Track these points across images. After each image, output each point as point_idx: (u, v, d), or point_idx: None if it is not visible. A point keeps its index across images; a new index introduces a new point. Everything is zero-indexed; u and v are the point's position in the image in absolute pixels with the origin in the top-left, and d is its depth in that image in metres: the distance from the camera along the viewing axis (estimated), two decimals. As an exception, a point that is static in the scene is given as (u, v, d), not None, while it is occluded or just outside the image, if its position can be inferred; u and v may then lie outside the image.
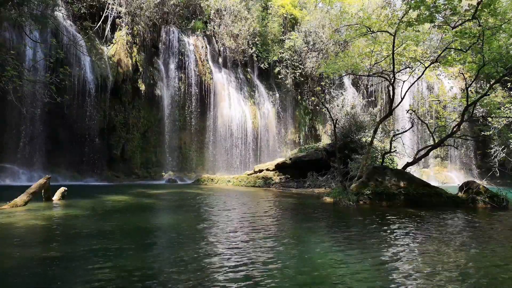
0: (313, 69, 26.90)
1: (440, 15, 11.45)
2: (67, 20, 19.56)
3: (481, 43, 10.92)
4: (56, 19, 17.56)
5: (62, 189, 10.01)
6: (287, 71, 27.49)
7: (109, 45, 20.89)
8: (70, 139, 18.55)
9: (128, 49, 21.14)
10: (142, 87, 21.65)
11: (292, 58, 27.49)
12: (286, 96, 28.09)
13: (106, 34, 20.82)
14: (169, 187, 16.72)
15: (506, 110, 17.08)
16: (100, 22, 20.34)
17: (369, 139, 14.85)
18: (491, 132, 19.38)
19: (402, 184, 10.95)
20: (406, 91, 14.01)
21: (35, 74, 16.24)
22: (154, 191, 14.08)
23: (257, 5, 27.32)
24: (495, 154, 22.09)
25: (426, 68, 13.64)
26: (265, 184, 17.58)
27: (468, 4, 10.95)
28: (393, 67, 12.76)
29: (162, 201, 11.33)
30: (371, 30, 12.84)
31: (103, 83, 19.57)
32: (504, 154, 21.64)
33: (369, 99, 28.07)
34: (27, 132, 17.39)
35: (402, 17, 11.54)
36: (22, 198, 8.46)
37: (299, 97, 28.77)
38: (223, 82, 24.90)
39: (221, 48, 25.59)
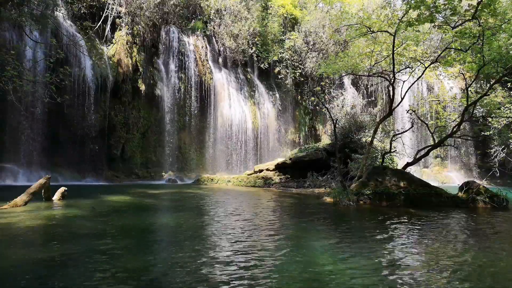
0: (313, 69, 26.91)
1: (440, 15, 11.44)
2: (67, 20, 19.57)
3: (481, 43, 10.92)
4: (56, 19, 17.56)
5: (62, 189, 10.00)
6: (287, 71, 27.50)
7: (109, 45, 20.90)
8: (70, 139, 18.55)
9: (128, 49, 21.14)
10: (142, 87, 21.66)
11: (292, 58, 27.50)
12: (286, 96, 28.09)
13: (106, 34, 20.83)
14: (169, 187, 16.71)
15: (506, 110, 17.10)
16: (100, 22, 20.35)
17: (369, 139, 14.86)
18: (491, 132, 19.39)
19: (402, 184, 10.95)
20: (406, 91, 14.01)
21: (35, 74, 16.24)
22: (154, 191, 14.08)
23: (257, 5, 27.32)
24: (495, 154, 22.10)
25: (426, 68, 13.65)
26: (265, 184, 17.57)
27: (468, 4, 10.95)
28: (393, 67, 12.76)
29: (162, 201, 11.33)
30: (371, 30, 12.84)
31: (103, 83, 19.57)
32: (504, 154, 21.65)
33: (369, 99, 28.13)
34: (27, 132, 17.40)
35: (402, 17, 11.54)
36: (22, 198, 8.46)
37: (299, 97, 28.78)
38: (223, 82, 24.90)
39: (221, 48, 25.59)
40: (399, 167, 14.80)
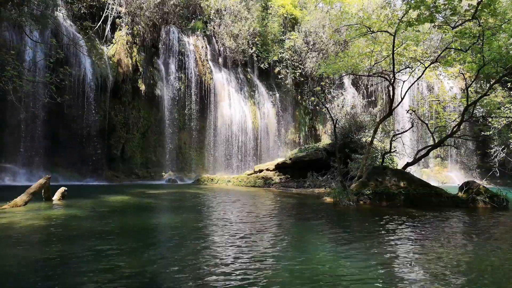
0: (313, 69, 26.91)
1: (440, 15, 11.44)
2: (67, 20, 19.56)
3: (481, 43, 10.92)
4: (56, 19, 17.56)
5: (62, 189, 10.01)
6: (287, 71, 27.49)
7: (109, 45, 20.89)
8: (70, 139, 18.55)
9: (128, 49, 21.14)
10: (142, 87, 21.65)
11: (292, 58, 27.49)
12: (286, 96, 28.08)
13: (106, 34, 20.83)
14: (169, 187, 16.72)
15: (506, 110, 17.09)
16: (100, 22, 20.34)
17: (369, 139, 14.85)
18: (491, 132, 19.37)
19: (402, 184, 10.95)
20: (406, 91, 14.01)
21: (35, 74, 16.23)
22: (154, 191, 14.08)
23: (257, 5, 27.31)
24: (495, 154, 22.09)
25: (426, 68, 13.65)
26: (265, 184, 17.57)
27: (468, 4, 10.95)
28: (393, 67, 12.76)
29: (162, 201, 11.33)
30: (371, 30, 12.84)
31: (103, 83, 19.57)
32: (504, 154, 21.64)
33: (369, 99, 28.12)
34: (27, 132, 17.39)
35: (402, 17, 11.54)
36: (22, 198, 8.46)
37: (299, 97, 28.77)
38: (223, 82, 24.90)
39: (221, 48, 25.58)
40: (399, 167, 14.80)
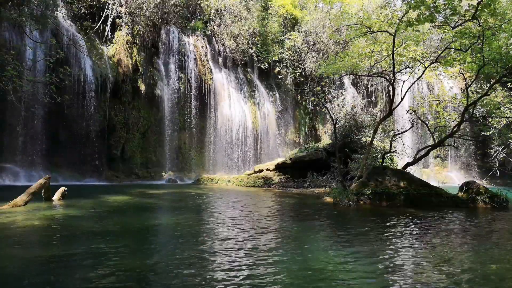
0: (313, 69, 26.91)
1: (440, 15, 11.44)
2: (67, 20, 19.56)
3: (481, 43, 10.92)
4: (56, 19, 17.56)
5: (62, 189, 10.00)
6: (287, 71, 27.49)
7: (109, 45, 20.90)
8: (70, 139, 18.56)
9: (128, 49, 21.14)
10: (142, 87, 21.66)
11: (292, 58, 27.50)
12: (286, 96, 28.09)
13: (106, 34, 20.83)
14: (169, 187, 16.71)
15: (506, 110, 17.07)
16: (100, 22, 20.35)
17: (369, 139, 14.85)
18: (491, 132, 19.36)
19: (402, 184, 10.95)
20: (406, 91, 14.01)
21: (35, 74, 16.24)
22: (154, 191, 14.08)
23: (257, 5, 27.31)
24: (495, 154, 22.09)
25: (426, 68, 13.65)
26: (265, 184, 17.57)
27: (468, 4, 10.95)
28: (393, 67, 12.75)
29: (162, 201, 11.33)
30: (371, 30, 12.84)
31: (103, 83, 19.57)
32: (504, 154, 21.64)
33: (369, 99, 28.10)
34: (27, 132, 17.39)
35: (402, 17, 11.54)
36: (22, 198, 8.46)
37: (299, 97, 28.77)
38: (223, 82, 24.90)
39: (221, 48, 25.58)
40: (399, 167, 14.80)
